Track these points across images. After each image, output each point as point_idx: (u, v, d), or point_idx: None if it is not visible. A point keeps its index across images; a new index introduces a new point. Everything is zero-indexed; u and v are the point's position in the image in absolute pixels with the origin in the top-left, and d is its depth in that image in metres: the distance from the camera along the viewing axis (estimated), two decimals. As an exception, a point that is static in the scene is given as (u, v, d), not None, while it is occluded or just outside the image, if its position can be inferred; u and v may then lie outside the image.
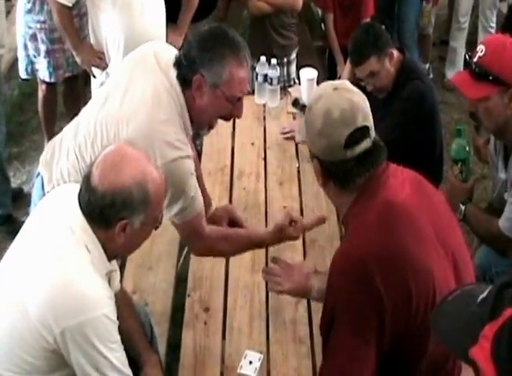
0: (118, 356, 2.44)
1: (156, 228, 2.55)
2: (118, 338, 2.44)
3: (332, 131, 2.28)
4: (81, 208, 2.42)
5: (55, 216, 2.53)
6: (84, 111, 3.13)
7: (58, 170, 3.09)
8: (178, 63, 2.90)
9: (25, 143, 5.76)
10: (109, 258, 2.51)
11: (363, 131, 2.29)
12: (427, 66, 6.57)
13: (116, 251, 2.52)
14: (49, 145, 3.26)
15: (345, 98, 2.31)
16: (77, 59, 4.63)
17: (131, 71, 3.07)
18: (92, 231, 2.42)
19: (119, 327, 2.52)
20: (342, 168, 2.30)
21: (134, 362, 2.74)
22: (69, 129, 3.14)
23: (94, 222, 2.41)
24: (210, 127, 3.07)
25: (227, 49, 2.84)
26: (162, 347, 3.21)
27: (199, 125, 3.02)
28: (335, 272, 2.30)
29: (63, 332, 2.31)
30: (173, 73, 2.89)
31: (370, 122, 2.32)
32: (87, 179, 2.40)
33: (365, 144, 2.30)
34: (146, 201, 2.40)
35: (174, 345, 3.13)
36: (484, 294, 1.46)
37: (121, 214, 2.39)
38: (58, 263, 2.37)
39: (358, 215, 2.33)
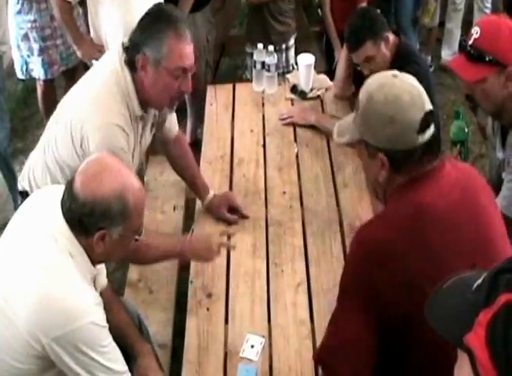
0: (110, 357, 2.45)
1: (136, 240, 2.54)
2: (109, 340, 2.45)
3: (405, 115, 2.22)
4: (63, 214, 2.42)
5: (38, 221, 2.52)
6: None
7: (31, 159, 3.27)
8: (125, 48, 2.99)
9: (29, 138, 5.81)
10: (94, 263, 2.51)
11: (431, 115, 2.26)
12: (429, 58, 6.59)
13: (98, 258, 2.52)
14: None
15: (409, 83, 2.29)
16: (78, 53, 4.68)
17: (95, 65, 3.26)
18: (75, 237, 2.42)
19: (110, 322, 2.54)
20: (414, 155, 2.25)
21: (127, 353, 2.78)
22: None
23: (74, 228, 2.41)
24: (169, 105, 3.13)
25: (164, 24, 2.90)
26: (168, 333, 3.28)
27: (155, 105, 3.11)
28: (354, 243, 2.31)
29: (51, 342, 2.32)
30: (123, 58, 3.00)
31: (432, 107, 2.29)
32: (70, 186, 2.40)
33: (432, 129, 2.27)
34: (124, 214, 2.40)
35: (181, 331, 3.17)
36: (479, 280, 1.43)
37: (100, 224, 2.39)
38: (42, 274, 2.36)
39: (394, 203, 2.31)
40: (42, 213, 2.54)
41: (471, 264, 2.21)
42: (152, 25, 2.93)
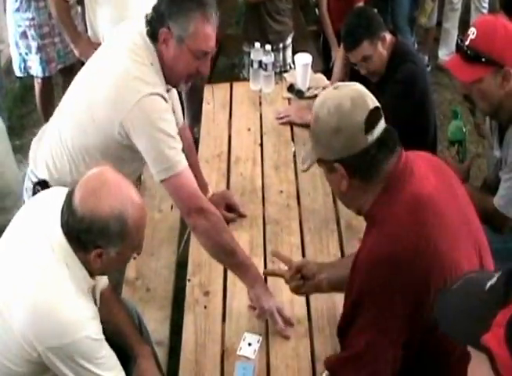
0: (106, 367, 2.43)
1: (134, 258, 2.52)
2: (104, 351, 2.43)
3: (349, 120, 2.27)
4: (61, 225, 2.38)
5: (38, 227, 2.49)
6: (66, 93, 3.23)
7: (41, 148, 3.23)
8: (148, 21, 2.97)
9: (27, 136, 5.80)
10: (92, 275, 2.48)
11: (377, 112, 2.30)
12: (427, 57, 6.60)
13: (96, 272, 2.49)
14: (38, 134, 3.37)
15: (349, 89, 2.34)
16: (75, 52, 4.69)
17: (106, 46, 3.21)
18: (72, 249, 2.38)
19: (110, 322, 2.57)
20: (366, 156, 2.28)
21: (126, 354, 2.80)
22: (54, 114, 3.26)
23: (72, 242, 2.37)
24: (186, 81, 3.10)
25: (194, 4, 2.88)
26: (165, 330, 3.28)
27: (172, 80, 3.07)
28: (363, 269, 2.30)
29: (46, 351, 2.31)
30: (145, 31, 2.97)
31: (378, 103, 2.33)
32: (69, 198, 2.35)
33: (381, 125, 2.30)
34: (122, 234, 2.35)
35: (178, 329, 3.17)
36: (493, 280, 1.44)
37: (97, 242, 2.34)
38: (39, 285, 2.34)
39: (384, 207, 2.32)
40: (43, 219, 2.50)
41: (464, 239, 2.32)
42: (182, 2, 2.90)
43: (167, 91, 3.07)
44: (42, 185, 3.19)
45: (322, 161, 2.41)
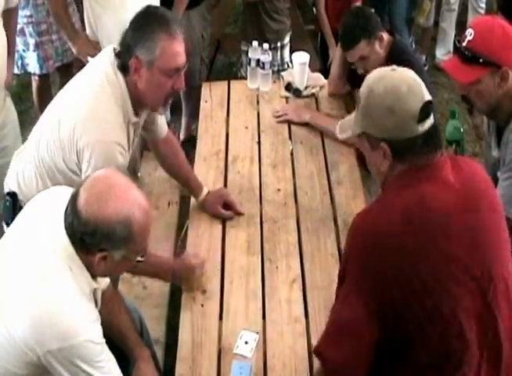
0: (106, 370, 2.42)
1: (139, 261, 2.49)
2: (104, 354, 2.42)
3: (404, 105, 2.26)
4: (65, 228, 2.36)
5: (40, 228, 2.48)
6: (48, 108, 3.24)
7: (20, 160, 3.24)
8: (117, 54, 2.98)
9: (24, 133, 5.74)
10: (94, 277, 2.47)
11: (431, 105, 2.30)
12: (424, 57, 6.60)
13: (99, 275, 2.49)
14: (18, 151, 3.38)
15: (407, 75, 2.35)
16: (73, 50, 4.67)
17: (86, 68, 3.20)
18: (75, 252, 2.37)
19: (111, 322, 2.58)
20: (413, 144, 2.27)
21: (125, 356, 2.80)
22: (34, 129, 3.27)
23: (75, 244, 2.36)
24: (163, 105, 3.12)
25: (156, 25, 2.90)
26: (161, 328, 3.28)
27: (151, 106, 3.11)
28: (353, 230, 2.34)
29: (47, 354, 2.30)
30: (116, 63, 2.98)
31: (431, 97, 2.33)
32: (73, 200, 2.33)
33: (431, 119, 2.30)
34: (128, 239, 2.34)
35: (174, 327, 3.17)
36: None
37: (102, 245, 2.33)
38: (41, 288, 2.32)
39: (397, 188, 2.33)
40: (45, 221, 2.49)
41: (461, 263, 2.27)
42: (143, 26, 2.92)
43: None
44: (11, 196, 3.22)
45: (367, 136, 2.39)
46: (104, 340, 2.42)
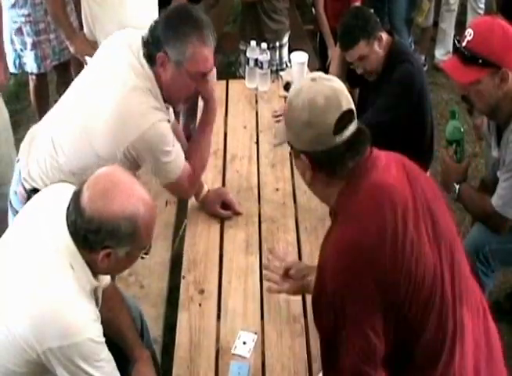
0: (105, 370, 2.41)
1: (142, 258, 2.48)
2: (104, 354, 2.40)
3: (319, 118, 2.27)
4: (67, 225, 2.35)
5: (42, 226, 2.46)
6: (62, 99, 3.23)
7: (33, 155, 3.18)
8: (145, 42, 2.97)
9: (21, 132, 5.73)
10: (96, 275, 2.45)
11: (349, 115, 2.29)
12: (423, 57, 6.59)
13: (101, 272, 2.48)
14: (29, 133, 3.33)
15: (326, 85, 2.32)
16: (71, 49, 4.66)
17: (104, 57, 3.18)
18: (77, 249, 2.36)
19: (111, 321, 2.56)
20: (333, 154, 2.29)
21: (125, 355, 2.79)
22: (47, 117, 3.25)
23: (78, 242, 2.34)
24: (184, 102, 3.20)
25: (190, 27, 2.89)
26: (159, 328, 3.26)
27: (170, 101, 3.10)
28: (330, 259, 2.27)
29: (46, 352, 2.29)
30: (141, 52, 2.98)
31: (353, 105, 2.32)
32: (76, 197, 2.32)
33: (352, 127, 2.30)
34: (133, 235, 2.33)
35: (171, 326, 3.15)
36: None
37: (106, 242, 2.32)
38: (42, 286, 2.31)
39: (348, 200, 2.31)
40: (47, 218, 2.47)
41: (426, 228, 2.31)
42: (177, 26, 2.92)
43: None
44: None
45: (291, 146, 2.44)
46: (104, 339, 2.41)
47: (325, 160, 2.31)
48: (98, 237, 2.30)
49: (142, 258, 2.49)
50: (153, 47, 2.95)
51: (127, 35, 3.14)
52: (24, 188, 3.19)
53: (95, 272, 2.44)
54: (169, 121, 3.10)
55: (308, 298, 3.10)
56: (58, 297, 2.30)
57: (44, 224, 2.46)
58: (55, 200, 2.52)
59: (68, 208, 2.35)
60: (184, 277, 3.27)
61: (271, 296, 3.13)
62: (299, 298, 3.12)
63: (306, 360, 2.89)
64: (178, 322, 3.07)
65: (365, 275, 2.21)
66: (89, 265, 2.40)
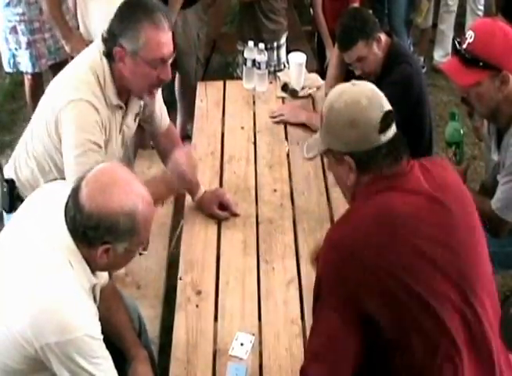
0: (102, 368, 2.40)
1: (140, 254, 2.49)
2: (101, 351, 2.40)
3: (364, 117, 2.32)
4: (66, 222, 2.36)
5: (40, 223, 2.47)
6: None
7: (17, 149, 3.28)
8: (103, 40, 2.99)
9: (17, 131, 5.76)
10: (94, 272, 2.46)
11: (391, 115, 2.35)
12: (422, 58, 6.58)
13: (99, 269, 2.48)
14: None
15: (366, 88, 2.40)
16: (67, 48, 4.65)
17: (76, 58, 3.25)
18: (76, 246, 2.37)
19: (108, 320, 2.55)
20: (378, 154, 2.33)
21: (122, 355, 2.78)
22: None
23: (77, 238, 2.35)
24: (149, 93, 3.12)
25: (141, 14, 2.89)
26: (155, 329, 3.25)
27: (135, 94, 3.12)
28: (327, 246, 2.34)
29: (44, 347, 2.28)
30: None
31: (391, 107, 2.37)
32: (75, 193, 2.33)
33: (393, 129, 2.35)
34: (132, 231, 2.34)
35: (168, 327, 3.14)
36: None
37: (105, 238, 2.33)
38: (40, 284, 2.31)
39: (366, 197, 2.35)
40: (46, 215, 2.48)
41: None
42: (128, 15, 2.92)
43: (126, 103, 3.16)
44: (8, 183, 3.23)
45: (332, 152, 2.44)
46: (102, 337, 2.40)
47: (370, 161, 2.34)
48: (97, 233, 2.31)
49: (141, 254, 2.50)
50: (110, 43, 2.96)
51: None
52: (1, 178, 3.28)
53: (94, 270, 2.45)
54: (99, 113, 3.05)
55: (306, 300, 3.11)
56: (56, 293, 2.30)
57: (42, 222, 2.47)
58: (53, 198, 2.53)
59: (66, 205, 2.36)
60: (181, 278, 3.25)
61: (268, 297, 3.13)
62: (297, 299, 3.12)
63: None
64: (175, 323, 3.05)
65: (348, 272, 2.25)
66: (88, 262, 2.40)
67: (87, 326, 2.32)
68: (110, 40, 2.95)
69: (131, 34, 2.88)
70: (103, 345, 2.41)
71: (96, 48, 3.06)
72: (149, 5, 2.94)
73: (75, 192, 2.33)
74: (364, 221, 2.30)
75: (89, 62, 3.05)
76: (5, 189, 3.21)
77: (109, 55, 2.98)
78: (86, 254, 2.38)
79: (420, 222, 2.30)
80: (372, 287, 2.23)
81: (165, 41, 2.94)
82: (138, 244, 2.44)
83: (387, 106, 2.36)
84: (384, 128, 2.31)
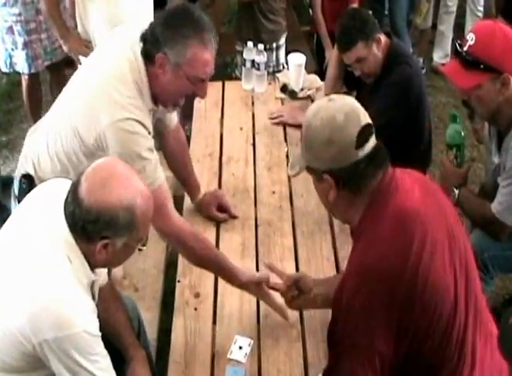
0: (100, 366, 2.39)
1: (139, 250, 2.48)
2: (100, 349, 2.39)
3: (341, 134, 2.29)
4: (65, 217, 2.36)
5: (39, 219, 2.46)
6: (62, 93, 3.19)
7: (32, 144, 3.18)
8: (143, 39, 2.91)
9: (14, 132, 5.76)
10: (93, 268, 2.45)
11: (369, 129, 2.33)
12: (421, 60, 6.57)
13: (98, 265, 2.47)
14: (32, 128, 3.34)
15: (343, 103, 2.37)
16: (65, 48, 4.63)
17: (101, 50, 3.16)
18: (75, 241, 2.36)
19: (106, 320, 2.53)
20: (356, 170, 2.31)
21: (120, 355, 2.76)
22: (49, 112, 3.21)
23: (76, 233, 2.35)
24: (175, 105, 3.07)
25: (191, 29, 2.82)
26: (153, 332, 3.23)
27: (163, 102, 3.03)
28: (349, 280, 2.30)
29: (42, 344, 2.28)
30: (138, 48, 2.91)
31: (370, 120, 2.36)
32: (74, 188, 2.33)
33: (372, 141, 2.33)
34: (131, 225, 2.34)
35: (166, 330, 3.13)
36: None
37: (104, 233, 2.32)
38: (39, 281, 2.30)
39: (370, 223, 2.34)
40: (45, 211, 2.47)
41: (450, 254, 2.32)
42: (178, 27, 2.84)
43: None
44: (28, 178, 3.16)
45: (312, 169, 2.44)
46: (100, 334, 2.39)
47: (348, 177, 2.33)
48: (96, 227, 2.30)
49: (140, 250, 2.49)
50: (151, 46, 2.88)
51: (126, 30, 3.08)
52: (20, 173, 3.20)
53: (93, 266, 2.45)
54: (150, 132, 2.97)
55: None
56: (54, 289, 2.30)
57: (41, 218, 2.46)
58: (52, 194, 2.52)
59: (66, 200, 2.36)
60: (179, 281, 3.24)
61: (267, 300, 3.12)
62: (296, 302, 3.10)
63: (302, 365, 2.87)
64: (174, 326, 3.05)
65: (378, 301, 2.22)
66: (87, 258, 2.40)
67: (84, 322, 2.31)
68: (153, 43, 2.87)
69: (178, 46, 2.82)
70: (101, 343, 2.41)
71: (127, 46, 2.95)
72: (201, 21, 2.86)
73: (75, 187, 2.33)
74: (385, 240, 2.27)
75: (125, 61, 2.92)
76: (23, 185, 3.17)
77: (147, 56, 2.90)
78: (85, 249, 2.37)
79: (427, 214, 2.33)
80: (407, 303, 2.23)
81: (210, 60, 2.89)
82: (137, 240, 2.43)
83: (365, 120, 2.34)
84: (361, 143, 2.30)
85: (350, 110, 2.33)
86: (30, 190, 3.04)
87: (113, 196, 2.29)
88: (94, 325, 2.36)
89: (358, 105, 2.38)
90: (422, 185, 2.43)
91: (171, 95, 2.97)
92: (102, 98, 2.87)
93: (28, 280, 2.31)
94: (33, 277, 2.31)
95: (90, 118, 2.89)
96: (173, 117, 3.47)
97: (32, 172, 3.16)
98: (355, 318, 2.25)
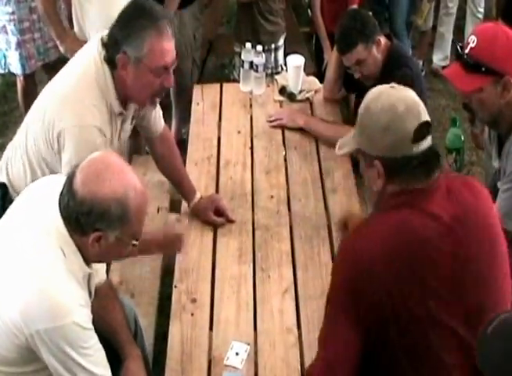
0: (92, 360, 2.40)
1: (133, 245, 2.47)
2: (92, 342, 2.40)
3: (399, 124, 2.27)
4: (60, 210, 2.37)
5: (34, 213, 2.48)
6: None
7: (8, 151, 3.22)
8: (104, 45, 2.95)
9: (9, 134, 5.71)
10: (88, 262, 2.46)
11: (428, 127, 2.30)
12: (421, 62, 6.54)
13: (92, 258, 2.48)
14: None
15: (406, 94, 2.35)
16: (61, 48, 4.60)
17: (76, 56, 3.18)
18: (69, 234, 2.38)
19: (102, 319, 2.55)
20: (407, 165, 2.28)
21: (116, 354, 2.75)
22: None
23: (70, 225, 2.36)
24: (152, 102, 3.09)
25: (145, 21, 2.86)
26: (149, 337, 3.23)
27: (137, 102, 3.09)
28: (344, 257, 2.35)
29: (33, 335, 2.29)
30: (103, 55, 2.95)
31: (429, 119, 2.33)
32: (69, 181, 2.34)
33: (428, 141, 2.30)
34: (123, 218, 2.34)
35: (162, 336, 3.13)
36: None
37: (96, 225, 2.33)
38: (32, 270, 2.33)
39: (386, 210, 2.34)
40: (40, 205, 2.49)
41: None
42: (132, 22, 2.88)
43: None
44: (2, 188, 3.20)
45: (362, 153, 2.41)
46: (93, 327, 2.40)
47: (399, 170, 2.30)
48: (89, 219, 2.32)
49: (134, 245, 2.47)
50: (112, 49, 2.92)
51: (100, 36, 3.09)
52: None
53: (87, 259, 2.46)
54: (105, 135, 3.00)
55: (302, 308, 3.09)
56: (46, 281, 2.32)
57: (35, 212, 2.49)
58: (48, 189, 2.55)
59: (61, 193, 2.38)
60: (176, 286, 3.22)
61: (264, 306, 3.12)
62: (293, 308, 3.10)
63: (299, 372, 2.86)
64: (170, 332, 3.03)
65: (346, 286, 2.28)
66: (81, 252, 2.41)
67: (74, 313, 2.32)
68: (112, 46, 2.91)
69: (136, 41, 2.85)
70: (95, 336, 2.42)
71: (95, 51, 3.00)
72: (154, 11, 2.91)
73: (70, 179, 2.35)
74: (384, 239, 2.27)
75: (91, 68, 2.98)
76: None
77: (110, 61, 2.93)
78: (79, 242, 2.39)
79: (436, 252, 2.27)
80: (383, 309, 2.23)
81: (169, 49, 2.92)
82: (130, 235, 2.43)
83: (425, 117, 2.30)
84: (417, 138, 2.26)
85: (412, 102, 2.31)
86: (3, 199, 3.08)
87: (106, 188, 2.31)
88: (84, 318, 2.37)
89: (419, 100, 2.34)
90: (458, 211, 2.34)
91: (141, 92, 2.99)
92: (66, 104, 2.93)
93: (21, 273, 2.34)
94: (26, 270, 2.34)
95: (49, 123, 2.95)
96: (158, 122, 3.47)
97: (5, 181, 3.20)
98: (332, 288, 2.34)
